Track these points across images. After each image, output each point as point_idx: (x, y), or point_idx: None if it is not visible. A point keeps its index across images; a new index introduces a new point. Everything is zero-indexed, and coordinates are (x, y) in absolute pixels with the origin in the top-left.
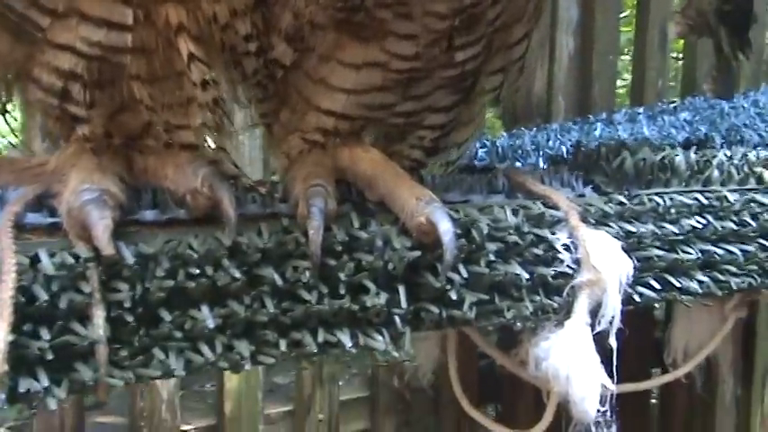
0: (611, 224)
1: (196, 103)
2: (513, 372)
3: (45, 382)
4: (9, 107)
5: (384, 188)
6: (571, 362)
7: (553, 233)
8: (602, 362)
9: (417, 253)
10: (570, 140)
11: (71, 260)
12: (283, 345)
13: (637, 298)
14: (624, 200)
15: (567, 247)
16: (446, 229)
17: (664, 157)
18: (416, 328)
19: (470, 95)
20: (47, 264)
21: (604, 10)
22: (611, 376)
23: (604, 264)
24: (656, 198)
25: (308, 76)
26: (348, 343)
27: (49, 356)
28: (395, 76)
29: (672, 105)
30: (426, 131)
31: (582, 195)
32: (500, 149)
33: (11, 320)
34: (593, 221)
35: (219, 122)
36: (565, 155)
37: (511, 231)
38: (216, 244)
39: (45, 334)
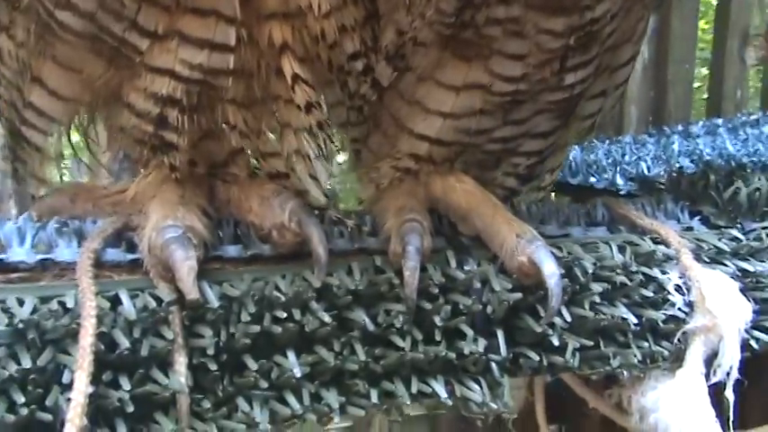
0: (725, 262)
1: (291, 128)
2: (607, 415)
3: None
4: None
5: (480, 223)
6: (684, 417)
7: (664, 273)
8: (717, 416)
9: (518, 295)
10: (648, 154)
11: (153, 303)
12: (374, 395)
13: (754, 344)
14: (739, 235)
15: (678, 289)
16: (551, 271)
17: None
18: (513, 375)
19: (570, 120)
20: (128, 307)
21: (681, 17)
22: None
23: (721, 307)
24: None
25: (402, 98)
26: (443, 393)
27: (130, 408)
28: (497, 99)
29: (753, 117)
30: (522, 158)
31: (690, 229)
32: (573, 164)
33: (90, 370)
34: (707, 259)
35: (322, 148)
36: (645, 172)
37: (618, 271)
38: (304, 285)
39: (125, 383)
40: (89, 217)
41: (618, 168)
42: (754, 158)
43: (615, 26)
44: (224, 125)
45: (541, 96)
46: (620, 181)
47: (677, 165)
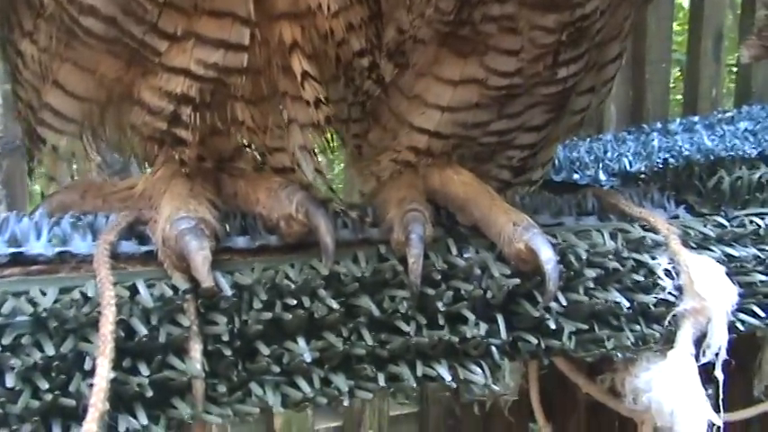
0: (711, 248)
1: (297, 123)
2: (599, 400)
3: (144, 419)
4: None
5: (478, 212)
6: (676, 396)
7: (654, 258)
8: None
9: (517, 281)
10: (628, 151)
11: (170, 292)
12: (381, 379)
13: (739, 326)
14: (724, 221)
15: (668, 273)
16: (548, 257)
17: (761, 176)
18: (512, 359)
19: (561, 114)
20: (145, 296)
21: (657, 18)
22: (715, 409)
23: (709, 290)
24: (757, 219)
25: (402, 93)
26: (447, 376)
27: (149, 393)
28: (492, 93)
29: (728, 115)
30: (516, 151)
31: (676, 217)
32: (557, 161)
33: (112, 356)
34: (694, 245)
35: (327, 143)
36: (627, 167)
37: (610, 257)
38: (313, 273)
39: (144, 369)
40: (99, 212)
41: (600, 165)
42: (732, 153)
43: (604, 23)
44: (233, 121)
45: (536, 90)
46: (602, 177)
47: (658, 160)
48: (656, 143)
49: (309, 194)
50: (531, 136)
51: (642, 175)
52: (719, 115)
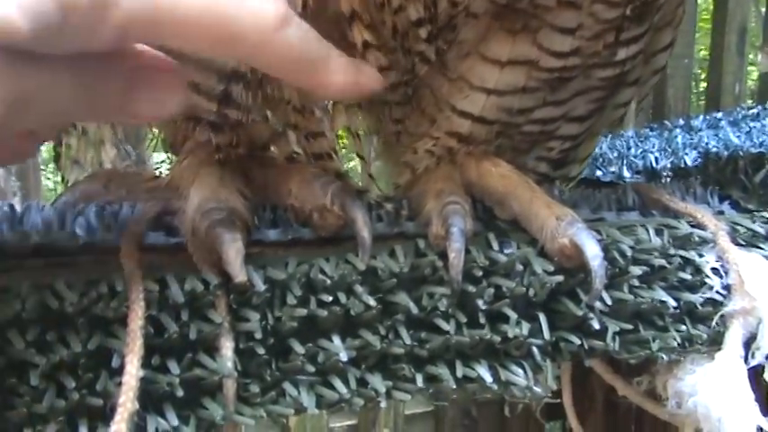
0: (761, 245)
1: (343, 104)
2: (637, 404)
3: (174, 420)
4: None
5: (518, 206)
6: (724, 400)
7: (701, 255)
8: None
9: (560, 278)
10: (653, 147)
11: (200, 287)
12: (420, 380)
13: None
14: None
15: (716, 271)
16: (594, 253)
17: None
18: (553, 360)
19: (605, 105)
20: (176, 291)
21: None
22: (764, 414)
23: (759, 290)
24: None
25: (445, 74)
26: (488, 378)
27: (179, 393)
28: (543, 75)
29: (753, 111)
30: (557, 142)
31: (721, 213)
32: None
33: (141, 354)
34: (743, 242)
35: (378, 122)
36: (653, 164)
37: (656, 254)
38: (349, 268)
39: (174, 368)
40: (123, 202)
41: (624, 161)
42: (762, 150)
43: (663, 1)
44: (279, 101)
45: (591, 73)
46: (626, 173)
47: (685, 155)
48: (680, 139)
49: (345, 185)
50: (574, 126)
51: (669, 172)
52: (744, 111)
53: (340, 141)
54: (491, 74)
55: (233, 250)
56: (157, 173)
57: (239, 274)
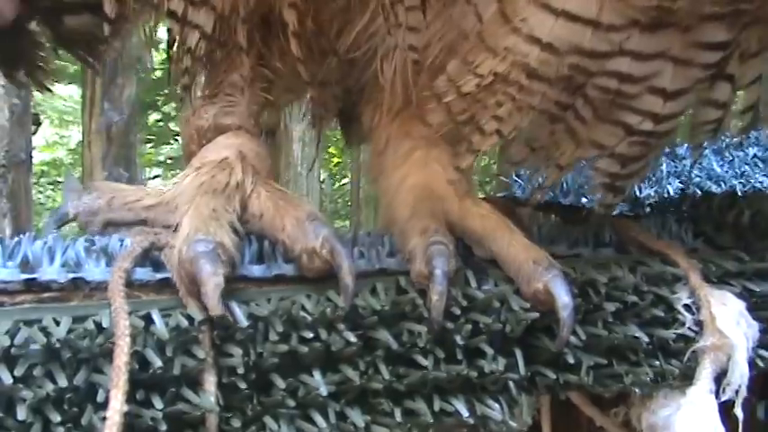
0: (732, 282)
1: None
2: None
3: None
4: None
5: (497, 248)
6: None
7: (673, 293)
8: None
9: (535, 315)
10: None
11: (185, 322)
12: (398, 414)
13: (760, 362)
14: (744, 256)
15: (688, 308)
16: (565, 303)
17: None
18: (529, 394)
19: (695, 89)
20: (160, 327)
21: None
22: None
23: (730, 326)
24: None
25: None
26: (465, 412)
27: (163, 427)
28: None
29: (736, 140)
30: (636, 118)
31: (694, 250)
32: (565, 183)
33: (126, 389)
34: (714, 280)
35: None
36: (637, 193)
37: (630, 291)
38: (330, 305)
39: (158, 402)
40: (125, 220)
41: None
42: (742, 180)
43: None
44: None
45: (695, 26)
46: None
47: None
48: (664, 168)
49: (335, 231)
50: (657, 102)
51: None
52: (728, 140)
53: (333, 159)
54: None
55: (212, 283)
56: (157, 190)
57: (215, 308)
